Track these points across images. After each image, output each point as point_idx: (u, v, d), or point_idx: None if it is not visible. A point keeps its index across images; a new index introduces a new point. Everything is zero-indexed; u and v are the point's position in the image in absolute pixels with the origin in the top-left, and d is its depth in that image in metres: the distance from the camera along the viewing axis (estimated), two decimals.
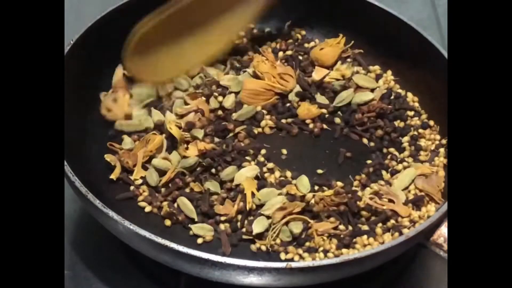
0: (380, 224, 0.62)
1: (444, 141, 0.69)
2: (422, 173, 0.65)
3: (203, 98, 0.69)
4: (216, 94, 0.70)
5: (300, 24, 0.79)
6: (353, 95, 0.71)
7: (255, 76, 0.71)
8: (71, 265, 0.64)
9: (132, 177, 0.64)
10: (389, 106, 0.71)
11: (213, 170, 0.64)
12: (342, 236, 0.61)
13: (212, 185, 0.63)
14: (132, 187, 0.64)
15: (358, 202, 0.62)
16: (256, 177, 0.64)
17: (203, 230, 0.60)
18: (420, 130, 0.70)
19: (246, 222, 0.61)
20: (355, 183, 0.65)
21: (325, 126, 0.69)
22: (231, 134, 0.67)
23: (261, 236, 0.60)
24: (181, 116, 0.68)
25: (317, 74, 0.73)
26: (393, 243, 0.55)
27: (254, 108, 0.69)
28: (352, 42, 0.76)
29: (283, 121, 0.70)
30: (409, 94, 0.73)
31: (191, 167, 0.64)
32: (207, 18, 0.66)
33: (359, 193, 0.63)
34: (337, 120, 0.70)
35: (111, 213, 0.55)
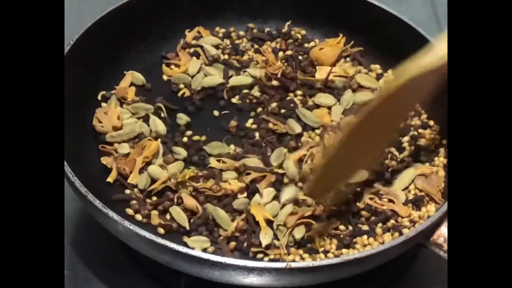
0: (380, 224, 0.62)
1: (444, 141, 0.69)
2: (422, 173, 0.65)
3: None
4: None
5: (300, 24, 0.79)
6: (354, 95, 0.72)
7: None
8: (71, 265, 0.64)
9: (128, 181, 0.63)
10: None
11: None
12: (342, 236, 0.61)
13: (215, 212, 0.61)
14: (127, 191, 0.63)
15: (358, 203, 0.62)
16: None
17: (198, 242, 0.59)
18: (420, 130, 0.70)
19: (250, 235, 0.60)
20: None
21: None
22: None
23: (269, 246, 0.60)
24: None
25: (320, 73, 0.73)
26: (393, 243, 0.55)
27: None
28: (352, 42, 0.76)
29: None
30: None
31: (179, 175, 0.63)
32: (385, 121, 0.57)
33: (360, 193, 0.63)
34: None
35: (111, 213, 0.55)
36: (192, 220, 0.61)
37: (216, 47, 0.77)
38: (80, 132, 0.66)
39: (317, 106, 0.71)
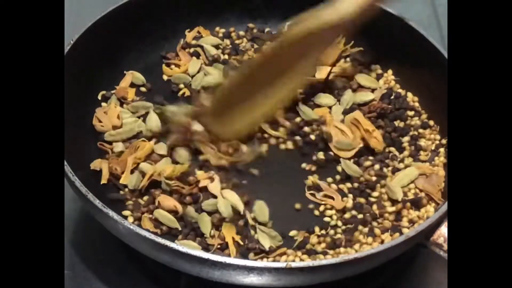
0: (360, 227, 0.62)
1: (444, 141, 0.69)
2: (423, 173, 0.65)
3: None
4: None
5: None
6: (354, 95, 0.72)
7: None
8: (71, 265, 0.64)
9: (120, 182, 0.63)
10: (389, 106, 0.71)
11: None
12: (340, 236, 0.61)
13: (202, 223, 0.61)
14: (121, 191, 0.63)
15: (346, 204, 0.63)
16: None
17: (189, 246, 0.58)
18: (420, 130, 0.70)
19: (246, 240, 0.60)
20: (355, 184, 0.65)
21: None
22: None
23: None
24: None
25: (320, 73, 0.73)
26: (393, 243, 0.55)
27: None
28: (352, 42, 0.76)
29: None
30: (409, 94, 0.73)
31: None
32: (285, 67, 0.62)
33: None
34: None
35: (111, 213, 0.55)
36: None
37: (216, 47, 0.77)
38: (80, 132, 0.66)
39: (317, 106, 0.71)
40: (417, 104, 0.72)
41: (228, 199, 0.61)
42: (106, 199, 0.60)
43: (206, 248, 0.59)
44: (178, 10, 0.77)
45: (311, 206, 0.63)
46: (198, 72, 0.73)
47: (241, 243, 0.60)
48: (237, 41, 0.78)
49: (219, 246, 0.59)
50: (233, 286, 0.55)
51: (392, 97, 0.73)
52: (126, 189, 0.63)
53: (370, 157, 0.67)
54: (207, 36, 0.77)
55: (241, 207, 0.61)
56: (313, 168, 0.66)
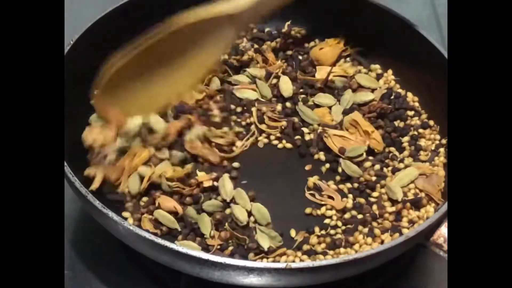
0: (360, 227, 0.62)
1: (444, 141, 0.69)
2: (423, 173, 0.65)
3: None
4: None
5: (300, 24, 0.79)
6: (354, 95, 0.72)
7: None
8: (71, 265, 0.64)
9: (119, 190, 0.62)
10: (389, 106, 0.71)
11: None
12: (340, 237, 0.61)
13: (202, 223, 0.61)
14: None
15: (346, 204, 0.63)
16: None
17: (189, 246, 0.58)
18: (420, 130, 0.70)
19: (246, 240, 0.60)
20: (355, 184, 0.65)
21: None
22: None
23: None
24: None
25: (320, 73, 0.73)
26: (393, 243, 0.55)
27: None
28: (352, 42, 0.76)
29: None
30: (409, 94, 0.73)
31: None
32: (179, 52, 0.64)
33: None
34: None
35: (111, 214, 0.55)
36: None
37: None
38: (80, 132, 0.66)
39: (317, 106, 0.71)
40: (417, 104, 0.73)
41: (241, 205, 0.61)
42: (106, 200, 0.60)
43: (206, 248, 0.59)
44: (178, 10, 0.76)
45: (311, 206, 0.63)
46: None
47: (241, 243, 0.60)
48: (237, 41, 0.78)
49: (218, 247, 0.59)
50: (233, 286, 0.55)
51: (392, 97, 0.73)
52: (127, 190, 0.63)
53: (370, 157, 0.67)
54: None
55: (249, 207, 0.61)
56: (313, 168, 0.66)
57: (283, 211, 0.62)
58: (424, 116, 0.71)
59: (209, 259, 0.52)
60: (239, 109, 0.70)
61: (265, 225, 0.61)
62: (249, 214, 0.61)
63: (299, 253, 0.60)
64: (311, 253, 0.60)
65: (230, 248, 0.59)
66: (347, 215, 0.63)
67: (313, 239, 0.61)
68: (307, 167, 0.66)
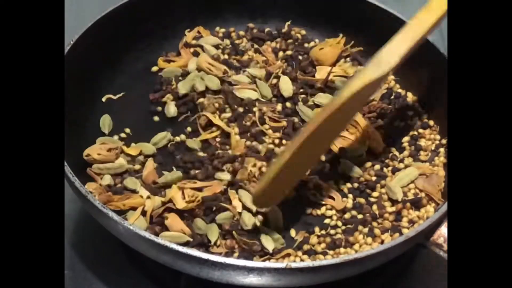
0: (360, 227, 0.62)
1: (444, 141, 0.69)
2: (423, 173, 0.65)
3: None
4: None
5: (300, 24, 0.79)
6: None
7: None
8: (71, 265, 0.64)
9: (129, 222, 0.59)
10: (389, 106, 0.71)
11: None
12: (340, 237, 0.61)
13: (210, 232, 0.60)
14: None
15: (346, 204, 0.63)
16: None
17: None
18: (420, 130, 0.70)
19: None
20: (355, 184, 0.65)
21: None
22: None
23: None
24: None
25: (320, 73, 0.73)
26: (393, 243, 0.55)
27: None
28: (352, 42, 0.76)
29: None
30: (409, 94, 0.73)
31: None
32: (333, 132, 0.61)
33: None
34: None
35: (111, 214, 0.55)
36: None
37: (216, 47, 0.77)
38: (80, 132, 0.66)
39: (317, 106, 0.71)
40: (417, 104, 0.73)
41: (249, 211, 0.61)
42: None
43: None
44: (178, 10, 0.77)
45: (311, 206, 0.63)
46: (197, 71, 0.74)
47: (246, 247, 0.60)
48: (237, 41, 0.78)
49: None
50: (233, 286, 0.55)
51: (392, 97, 0.73)
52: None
53: (370, 157, 0.67)
54: (207, 36, 0.77)
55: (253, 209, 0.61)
56: (313, 168, 0.66)
57: (283, 211, 0.62)
58: (424, 116, 0.71)
59: (209, 259, 0.52)
60: (241, 109, 0.70)
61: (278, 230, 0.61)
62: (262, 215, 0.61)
63: (299, 253, 0.60)
64: (311, 253, 0.60)
65: (236, 254, 0.59)
66: (347, 215, 0.63)
67: (313, 239, 0.61)
68: None
